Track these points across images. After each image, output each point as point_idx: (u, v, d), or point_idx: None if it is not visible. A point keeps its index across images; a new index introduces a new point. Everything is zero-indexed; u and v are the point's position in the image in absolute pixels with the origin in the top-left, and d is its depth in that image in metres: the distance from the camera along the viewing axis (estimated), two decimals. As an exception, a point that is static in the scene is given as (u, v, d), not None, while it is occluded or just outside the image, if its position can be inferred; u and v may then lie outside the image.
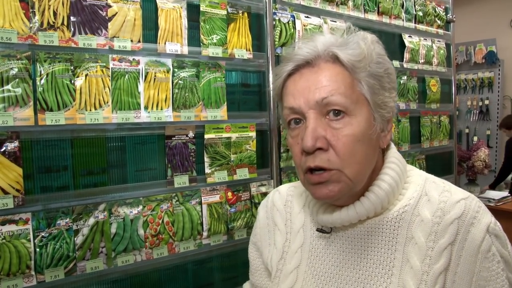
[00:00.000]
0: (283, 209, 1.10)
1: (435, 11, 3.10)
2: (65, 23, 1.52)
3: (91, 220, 1.56)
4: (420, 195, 0.92)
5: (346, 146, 0.83)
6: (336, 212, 0.92)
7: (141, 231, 1.66)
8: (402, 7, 2.77)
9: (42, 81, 1.48)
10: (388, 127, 0.93)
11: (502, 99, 5.56)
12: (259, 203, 1.97)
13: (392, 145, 0.98)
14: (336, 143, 0.83)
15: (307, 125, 0.85)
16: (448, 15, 3.25)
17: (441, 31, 3.14)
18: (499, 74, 5.51)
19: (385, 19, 2.65)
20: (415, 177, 0.96)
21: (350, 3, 2.43)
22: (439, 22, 3.14)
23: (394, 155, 0.96)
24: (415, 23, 2.89)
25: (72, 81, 1.53)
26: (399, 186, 0.93)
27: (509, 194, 4.32)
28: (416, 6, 2.91)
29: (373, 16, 2.56)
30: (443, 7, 3.21)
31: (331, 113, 0.84)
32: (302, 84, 0.87)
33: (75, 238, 1.53)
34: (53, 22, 1.49)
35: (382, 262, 0.90)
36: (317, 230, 0.99)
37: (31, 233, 1.45)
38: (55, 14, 1.49)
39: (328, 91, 0.84)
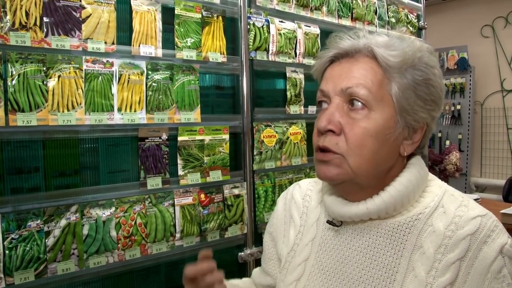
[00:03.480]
0: (301, 202, 1.12)
1: (408, 18, 3.17)
2: (38, 23, 1.51)
3: (63, 222, 1.55)
4: (436, 205, 0.92)
5: (357, 137, 0.87)
6: (347, 206, 0.95)
7: (113, 233, 1.66)
8: (375, 13, 2.83)
9: (14, 81, 1.46)
10: (415, 137, 0.94)
11: (473, 105, 5.70)
12: (232, 205, 1.99)
13: (419, 156, 0.99)
14: (348, 131, 0.88)
15: (328, 108, 0.90)
16: (420, 22, 3.32)
17: (413, 38, 3.20)
18: (470, 80, 5.64)
19: (359, 25, 2.69)
20: (435, 188, 0.96)
21: (324, 9, 2.47)
22: (411, 28, 3.20)
23: (416, 162, 0.97)
24: (387, 29, 2.95)
25: (45, 82, 1.53)
26: (415, 192, 0.93)
27: None
28: (389, 13, 2.97)
29: (346, 22, 2.60)
30: (415, 14, 3.28)
31: (353, 102, 0.88)
32: (336, 71, 0.93)
33: (46, 240, 1.52)
34: (25, 23, 1.48)
35: (386, 265, 0.90)
36: (328, 221, 1.01)
37: (0, 235, 1.43)
38: (27, 14, 1.48)
39: (354, 82, 0.88)
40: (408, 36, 0.97)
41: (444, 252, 0.86)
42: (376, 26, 2.82)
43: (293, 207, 1.13)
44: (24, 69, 1.48)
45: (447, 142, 5.74)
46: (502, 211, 3.26)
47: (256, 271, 1.24)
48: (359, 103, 0.88)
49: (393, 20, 2.99)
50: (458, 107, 5.71)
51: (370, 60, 0.90)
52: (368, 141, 0.87)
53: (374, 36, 0.94)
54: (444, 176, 5.09)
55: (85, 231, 1.60)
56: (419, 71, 0.90)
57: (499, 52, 5.65)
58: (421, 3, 3.35)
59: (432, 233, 0.88)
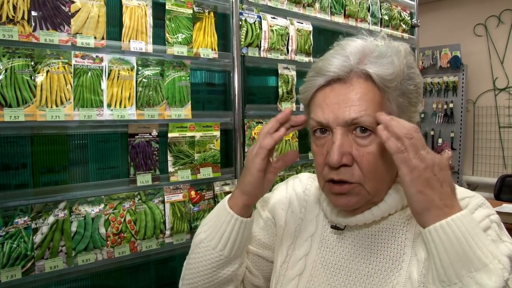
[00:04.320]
0: (302, 195, 1.11)
1: (401, 16, 3.17)
2: (26, 17, 1.49)
3: (51, 219, 1.54)
4: None
5: (370, 163, 0.86)
6: (351, 216, 0.95)
7: (102, 230, 1.65)
8: (368, 10, 2.82)
9: (1, 76, 1.44)
10: None
11: (466, 103, 5.71)
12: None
13: None
14: (360, 160, 0.86)
15: (333, 141, 0.86)
16: (413, 20, 3.32)
17: (406, 35, 3.21)
18: (463, 79, 5.65)
19: (352, 22, 2.69)
20: None
21: (317, 5, 2.46)
22: (404, 26, 3.20)
23: None
24: (380, 26, 2.95)
25: (33, 77, 1.51)
26: None
27: None
28: (382, 10, 2.96)
29: (339, 19, 2.60)
30: (408, 12, 3.28)
31: (358, 129, 0.86)
32: (332, 98, 0.88)
33: (34, 237, 1.50)
34: (13, 16, 1.46)
35: (392, 257, 0.92)
36: (332, 227, 1.01)
37: (-14, 231, 1.42)
38: (14, 8, 1.46)
39: (358, 111, 0.85)
40: (387, 38, 0.94)
41: None
42: (369, 24, 2.82)
43: (293, 198, 1.12)
44: (12, 63, 1.46)
45: (440, 140, 5.76)
46: (494, 209, 3.26)
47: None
48: (366, 130, 0.86)
49: (386, 17, 2.99)
50: (451, 105, 5.72)
51: (365, 81, 0.87)
52: (379, 164, 0.87)
53: (359, 48, 0.89)
54: (436, 174, 5.10)
55: (74, 228, 1.59)
56: (410, 80, 0.89)
57: (492, 51, 5.66)
58: (414, 1, 3.35)
59: None
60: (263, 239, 1.14)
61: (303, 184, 1.14)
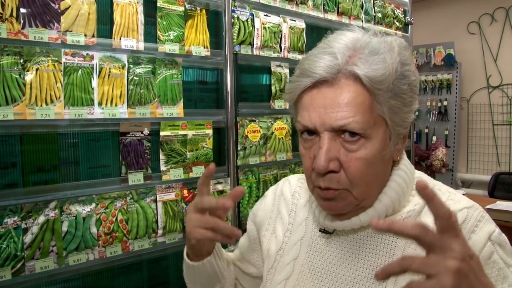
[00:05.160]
0: (290, 199, 1.10)
1: (394, 13, 3.16)
2: (14, 14, 1.47)
3: (41, 218, 1.52)
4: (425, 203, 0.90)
5: (357, 169, 0.83)
6: (339, 221, 0.93)
7: (93, 229, 1.63)
8: (362, 8, 2.81)
9: (-11, 74, 1.43)
10: (402, 140, 0.91)
11: (460, 101, 5.73)
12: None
13: (403, 153, 0.96)
14: (347, 166, 0.82)
15: (320, 146, 0.83)
16: (407, 18, 3.31)
17: (399, 33, 3.20)
18: (457, 76, 5.67)
19: (345, 20, 2.68)
20: None
21: (310, 3, 2.45)
22: (397, 24, 3.20)
23: (403, 164, 0.95)
24: (374, 24, 2.94)
25: (22, 75, 1.49)
26: (405, 194, 0.92)
27: None
28: (375, 8, 2.95)
29: (332, 16, 2.58)
30: (402, 9, 3.28)
31: (346, 133, 0.82)
32: (318, 102, 0.83)
33: (24, 237, 1.48)
34: (1, 14, 1.44)
35: (380, 265, 0.89)
36: (320, 230, 0.99)
37: (-25, 231, 1.40)
38: (2, 4, 1.44)
39: (345, 117, 0.80)
40: (379, 33, 0.88)
41: None
42: (362, 21, 2.81)
43: (282, 204, 1.11)
44: (0, 61, 1.44)
45: (434, 138, 5.77)
46: (488, 206, 3.28)
47: (236, 255, 1.21)
48: (355, 134, 0.82)
49: (379, 15, 2.98)
50: (445, 103, 5.74)
51: (354, 82, 0.82)
52: (368, 169, 0.84)
53: (348, 43, 0.84)
54: (431, 172, 5.14)
55: (65, 227, 1.57)
56: (403, 79, 0.84)
57: (485, 48, 5.68)
58: (407, -2, 3.35)
59: None
60: (246, 254, 1.16)
61: (292, 187, 1.13)
